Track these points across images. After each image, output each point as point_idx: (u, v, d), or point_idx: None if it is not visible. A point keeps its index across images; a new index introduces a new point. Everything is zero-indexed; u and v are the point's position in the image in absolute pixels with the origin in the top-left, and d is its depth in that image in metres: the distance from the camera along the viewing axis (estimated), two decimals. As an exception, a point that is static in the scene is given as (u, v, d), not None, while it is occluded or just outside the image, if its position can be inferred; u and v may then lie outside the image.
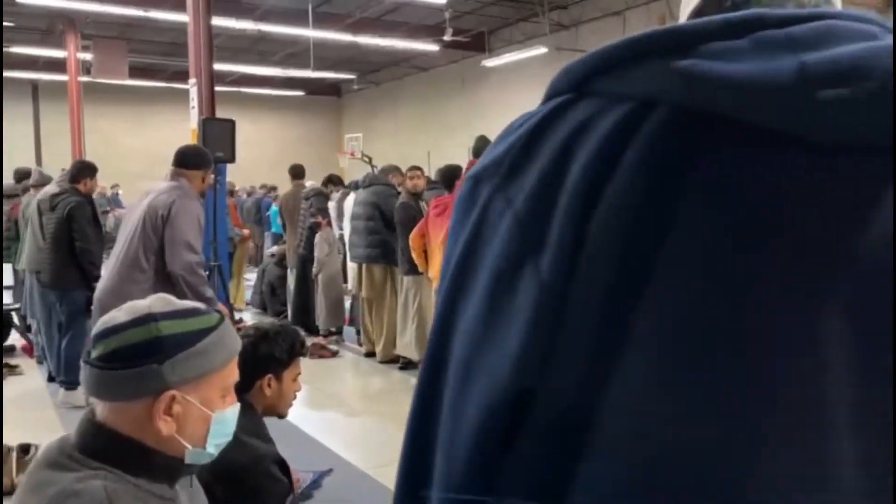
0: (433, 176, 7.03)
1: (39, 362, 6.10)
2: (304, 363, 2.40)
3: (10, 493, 3.62)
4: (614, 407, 0.55)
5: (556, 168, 0.58)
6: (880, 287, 0.51)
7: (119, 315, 1.26)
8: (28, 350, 6.54)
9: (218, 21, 9.41)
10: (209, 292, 3.54)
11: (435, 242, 5.19)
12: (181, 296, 2.29)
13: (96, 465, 1.18)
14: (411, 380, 5.69)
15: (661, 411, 0.54)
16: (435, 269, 5.16)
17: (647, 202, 0.55)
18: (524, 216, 0.59)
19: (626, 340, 0.55)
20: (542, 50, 14.08)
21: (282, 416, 2.32)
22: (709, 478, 0.53)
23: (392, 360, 6.29)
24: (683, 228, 0.54)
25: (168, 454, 1.26)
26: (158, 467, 1.24)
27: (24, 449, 3.79)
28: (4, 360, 6.13)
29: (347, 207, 7.10)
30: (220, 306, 3.60)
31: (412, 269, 5.68)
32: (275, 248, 8.69)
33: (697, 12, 0.69)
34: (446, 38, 14.22)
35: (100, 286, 3.71)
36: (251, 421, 2.09)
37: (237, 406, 1.38)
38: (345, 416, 5.08)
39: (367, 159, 9.92)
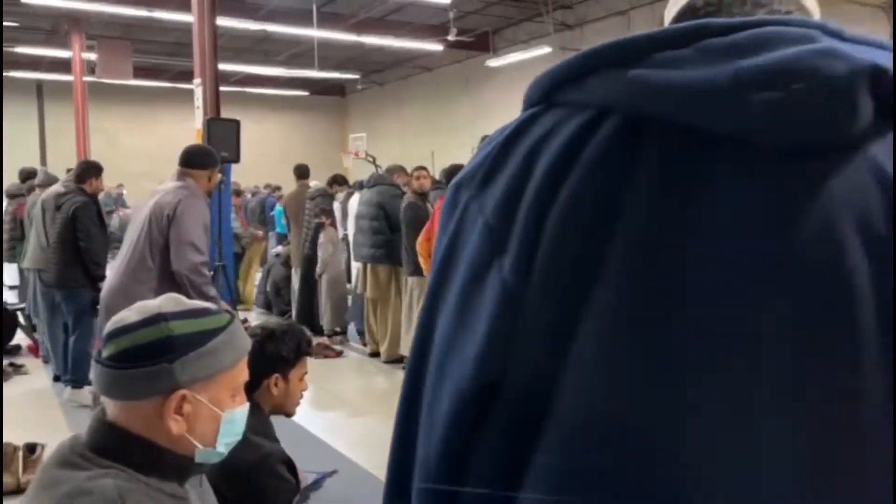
0: (437, 176, 7.04)
1: (45, 362, 6.12)
2: (309, 363, 2.41)
3: (16, 492, 3.63)
4: (566, 397, 0.58)
5: (522, 174, 0.62)
6: (811, 282, 0.53)
7: (130, 315, 1.26)
8: (34, 350, 6.56)
9: (222, 21, 9.42)
10: (212, 291, 3.55)
11: (440, 243, 5.19)
12: (185, 295, 2.30)
13: (107, 463, 1.19)
14: (416, 380, 5.69)
15: (608, 399, 0.57)
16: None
17: (596, 201, 0.59)
18: (493, 222, 0.63)
19: (576, 333, 0.58)
20: (547, 50, 14.07)
21: (289, 415, 2.32)
22: (649, 456, 0.55)
23: (396, 359, 6.29)
24: (628, 226, 0.57)
25: (178, 453, 1.26)
26: (169, 466, 1.25)
27: (31, 448, 3.80)
28: (10, 360, 6.15)
29: (352, 207, 7.11)
30: (224, 306, 3.61)
31: (417, 270, 5.68)
32: (280, 249, 8.69)
33: (677, 19, 0.72)
34: (450, 37, 14.21)
35: (106, 286, 3.72)
36: (258, 420, 2.10)
37: (247, 405, 1.38)
38: (349, 416, 5.09)
39: (371, 159, 9.94)
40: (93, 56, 13.92)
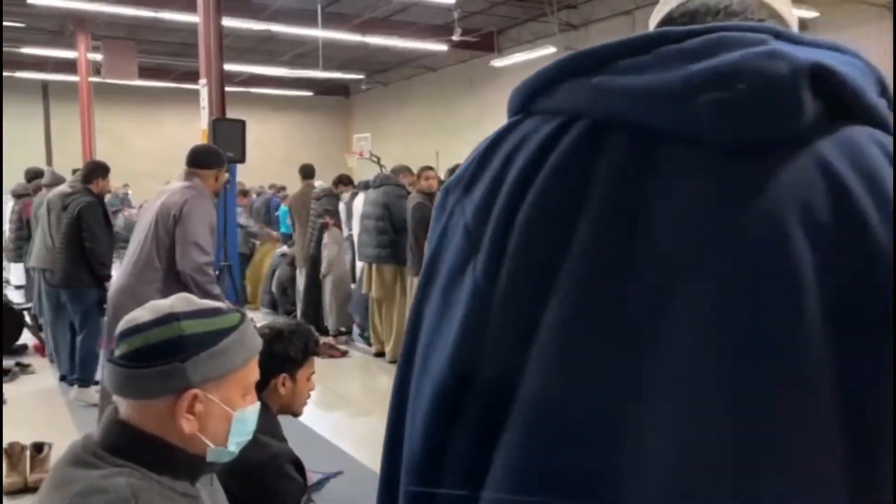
0: (442, 175, 7.04)
1: (52, 361, 6.14)
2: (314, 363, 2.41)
3: (23, 491, 3.65)
4: (525, 392, 0.61)
5: (497, 180, 0.67)
6: (756, 270, 0.55)
7: (142, 314, 1.27)
8: (40, 349, 6.58)
9: (228, 21, 9.43)
10: (217, 290, 3.56)
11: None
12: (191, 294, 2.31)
13: (120, 462, 1.19)
14: (421, 379, 5.70)
15: (560, 394, 0.60)
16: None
17: (559, 201, 0.63)
18: (471, 225, 0.68)
19: (538, 329, 0.62)
20: (552, 49, 14.06)
21: (297, 414, 2.33)
22: (597, 453, 0.58)
23: (402, 359, 6.29)
24: (587, 222, 0.61)
25: (190, 452, 1.26)
26: (181, 465, 1.26)
27: (38, 447, 3.81)
28: (17, 360, 6.17)
29: (356, 207, 7.12)
30: (229, 305, 3.61)
31: (422, 270, 5.68)
32: (286, 248, 8.70)
33: (660, 25, 0.75)
34: (455, 37, 14.21)
35: (114, 285, 3.73)
36: (266, 420, 2.10)
37: (257, 405, 1.39)
38: (354, 415, 5.10)
39: (375, 159, 9.94)
40: (98, 56, 13.95)
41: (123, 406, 1.25)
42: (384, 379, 6.18)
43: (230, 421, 1.30)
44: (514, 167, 0.66)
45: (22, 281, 8.63)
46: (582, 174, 0.62)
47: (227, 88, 7.49)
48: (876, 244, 0.54)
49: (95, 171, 5.33)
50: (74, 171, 6.10)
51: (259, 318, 8.15)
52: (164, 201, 3.58)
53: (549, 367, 0.60)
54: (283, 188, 13.11)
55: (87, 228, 5.03)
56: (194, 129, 7.74)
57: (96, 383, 5.11)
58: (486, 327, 0.63)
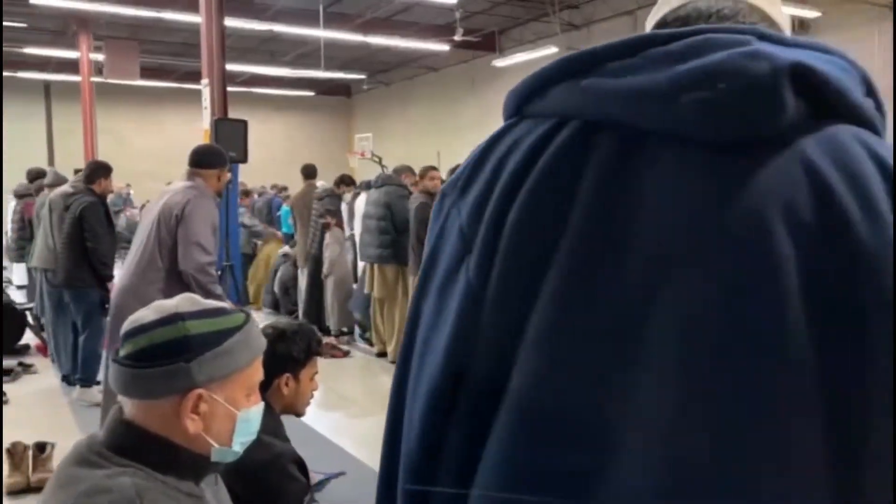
0: (445, 176, 7.04)
1: (53, 361, 6.14)
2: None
3: (26, 490, 3.65)
4: (512, 392, 0.62)
5: (491, 182, 0.68)
6: (738, 265, 0.56)
7: (147, 314, 1.27)
8: (42, 349, 6.58)
9: (230, 22, 9.44)
10: (218, 290, 3.56)
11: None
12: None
13: (125, 462, 1.20)
14: (423, 380, 5.70)
15: (546, 393, 0.61)
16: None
17: (549, 201, 0.64)
18: (465, 227, 0.69)
19: (526, 327, 0.63)
20: (553, 50, 14.05)
21: (300, 414, 2.33)
22: (577, 437, 0.59)
23: (404, 359, 6.28)
24: (575, 222, 0.62)
25: (195, 452, 1.27)
26: (185, 465, 1.26)
27: (40, 447, 3.81)
28: (20, 360, 6.17)
29: (358, 207, 7.12)
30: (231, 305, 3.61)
31: (424, 270, 5.68)
32: (288, 249, 8.70)
33: (655, 29, 0.77)
34: (457, 38, 14.21)
35: (117, 285, 3.73)
36: (270, 420, 2.10)
37: (262, 405, 1.39)
38: (357, 415, 5.10)
39: (376, 159, 9.95)
40: (100, 56, 13.96)
41: (128, 406, 1.25)
42: (386, 379, 6.18)
43: (235, 421, 1.30)
44: (506, 169, 0.67)
45: (24, 281, 8.63)
46: (572, 174, 0.63)
47: (229, 88, 7.50)
48: (859, 242, 0.55)
49: (98, 171, 5.33)
50: (76, 172, 6.11)
51: (261, 318, 8.16)
52: (166, 201, 3.58)
53: (536, 366, 0.61)
54: (285, 188, 13.11)
55: (89, 228, 5.04)
56: (196, 129, 7.76)
57: (98, 383, 5.12)
58: (478, 326, 0.64)
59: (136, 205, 15.07)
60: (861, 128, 0.61)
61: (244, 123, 6.33)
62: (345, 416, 5.06)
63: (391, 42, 15.38)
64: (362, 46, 16.55)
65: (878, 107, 0.65)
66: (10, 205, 8.46)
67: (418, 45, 15.59)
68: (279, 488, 2.04)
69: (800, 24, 11.11)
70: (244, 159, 6.28)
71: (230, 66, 9.86)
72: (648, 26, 0.78)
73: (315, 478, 3.53)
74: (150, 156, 20.04)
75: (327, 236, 7.08)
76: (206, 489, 1.33)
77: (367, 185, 7.41)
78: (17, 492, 3.66)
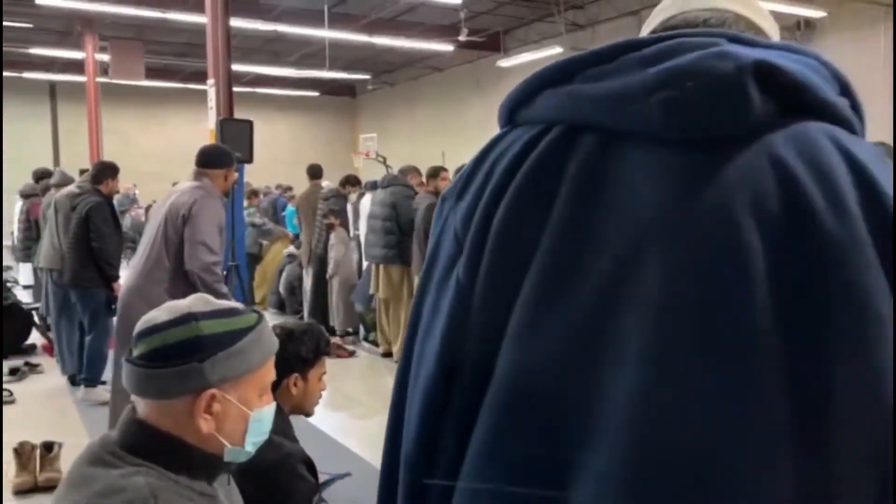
0: (452, 176, 7.05)
1: (59, 361, 6.15)
2: (322, 363, 2.42)
3: (33, 490, 3.65)
4: (493, 385, 0.64)
5: (482, 187, 0.72)
6: (707, 257, 0.58)
7: (160, 314, 1.27)
8: (48, 349, 6.60)
9: (235, 22, 9.45)
10: (224, 289, 3.56)
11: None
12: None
13: (138, 461, 1.20)
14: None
15: (523, 386, 0.63)
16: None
17: (531, 202, 0.67)
18: (459, 229, 0.72)
19: (510, 322, 0.65)
20: (558, 50, 14.03)
21: (308, 414, 2.33)
22: (553, 429, 0.61)
23: (409, 359, 6.28)
24: (553, 221, 0.65)
25: (208, 452, 1.27)
26: (198, 464, 1.26)
27: (48, 447, 3.82)
28: (26, 359, 6.19)
29: (363, 208, 7.12)
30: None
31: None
32: (293, 249, 8.70)
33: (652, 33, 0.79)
34: (461, 38, 14.21)
35: (124, 285, 3.74)
36: (279, 420, 2.10)
37: (274, 405, 1.39)
38: (361, 415, 5.10)
39: (381, 159, 9.95)
40: (105, 57, 13.99)
41: (141, 406, 1.26)
42: (391, 379, 6.10)
43: (247, 421, 1.30)
44: (495, 174, 0.70)
45: (30, 281, 8.66)
46: (554, 176, 0.66)
47: (235, 89, 7.50)
48: (824, 232, 0.56)
49: (105, 171, 5.34)
50: (82, 172, 6.13)
51: (267, 318, 8.15)
52: (173, 201, 3.59)
53: (513, 360, 0.64)
54: (290, 188, 13.12)
55: (95, 229, 5.05)
56: (201, 129, 7.77)
57: (103, 383, 5.13)
58: (467, 325, 0.67)
59: (142, 205, 15.09)
60: (834, 125, 0.63)
61: (250, 124, 6.32)
62: (350, 416, 5.06)
63: (396, 42, 15.38)
64: (367, 47, 16.55)
65: (855, 106, 0.66)
66: (17, 205, 8.48)
67: (423, 45, 15.59)
68: (289, 488, 2.05)
69: (805, 24, 11.09)
70: (250, 160, 6.27)
71: (235, 67, 9.87)
72: (645, 30, 0.81)
73: (321, 478, 3.54)
74: (154, 156, 20.07)
75: (332, 236, 7.08)
76: (219, 489, 1.33)
77: (373, 186, 7.42)
78: (24, 491, 3.66)
